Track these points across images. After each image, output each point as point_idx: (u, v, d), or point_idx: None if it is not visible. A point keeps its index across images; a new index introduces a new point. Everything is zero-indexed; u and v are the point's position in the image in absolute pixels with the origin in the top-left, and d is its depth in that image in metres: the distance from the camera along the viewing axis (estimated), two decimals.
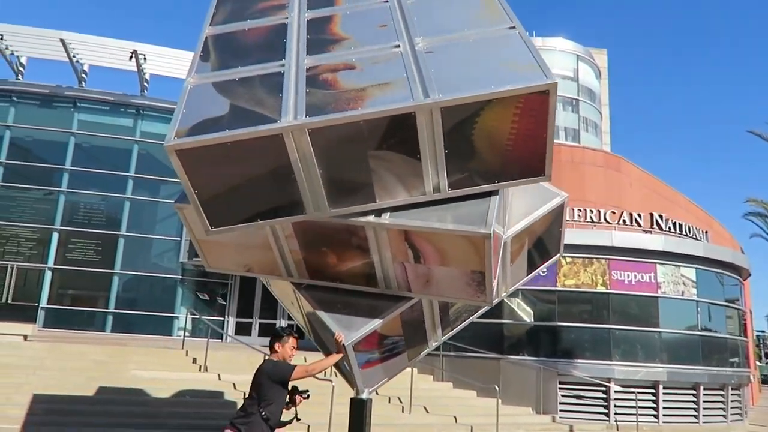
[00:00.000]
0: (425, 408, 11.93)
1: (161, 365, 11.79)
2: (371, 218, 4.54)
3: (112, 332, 19.15)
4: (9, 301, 20.56)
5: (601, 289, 13.99)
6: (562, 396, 13.36)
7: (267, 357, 4.89)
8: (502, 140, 4.25)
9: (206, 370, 11.78)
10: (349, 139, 4.10)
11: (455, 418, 11.71)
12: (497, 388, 11.81)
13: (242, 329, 21.61)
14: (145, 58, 19.47)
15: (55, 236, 19.26)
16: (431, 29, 4.70)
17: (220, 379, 11.38)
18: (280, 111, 4.09)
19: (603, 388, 13.33)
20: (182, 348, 12.70)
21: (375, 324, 5.09)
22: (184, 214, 4.93)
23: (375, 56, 4.53)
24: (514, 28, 4.53)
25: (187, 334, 21.85)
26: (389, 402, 12.04)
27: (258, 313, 21.69)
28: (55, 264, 19.68)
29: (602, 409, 13.32)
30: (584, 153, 17.52)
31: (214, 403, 10.53)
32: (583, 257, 14.03)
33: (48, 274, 20.13)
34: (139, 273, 20.25)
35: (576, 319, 13.97)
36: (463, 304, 5.99)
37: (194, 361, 12.17)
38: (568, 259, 14.01)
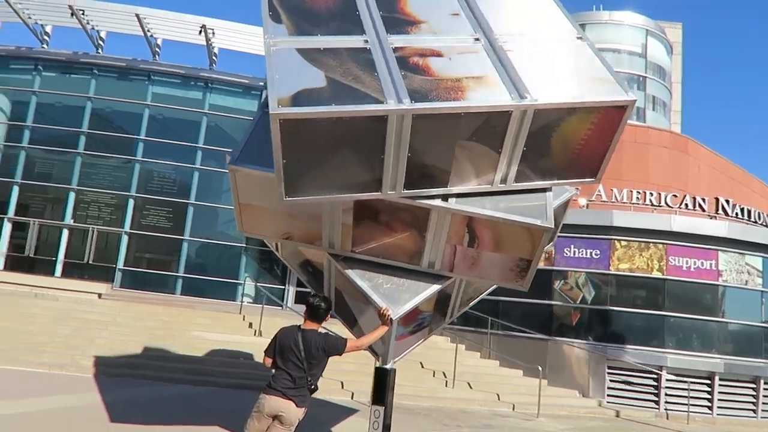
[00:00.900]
0: (469, 384, 12.15)
1: (220, 328, 12.54)
2: (439, 202, 4.75)
3: (181, 295, 20.34)
4: (90, 262, 22.21)
5: (656, 274, 13.61)
6: (611, 381, 13.21)
7: (304, 327, 4.60)
8: (573, 144, 4.61)
9: (260, 334, 12.42)
10: (446, 128, 4.27)
11: (498, 395, 11.87)
12: (540, 369, 11.81)
13: (302, 298, 22.46)
14: (213, 33, 20.17)
15: (131, 202, 20.48)
16: (500, 24, 4.89)
17: None
18: (382, 91, 4.18)
19: (654, 376, 13.09)
20: (240, 313, 13.39)
21: (418, 300, 5.32)
22: (236, 176, 4.93)
23: (459, 46, 4.69)
24: (582, 39, 4.80)
25: (249, 300, 22.98)
26: (434, 376, 12.33)
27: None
28: (130, 228, 20.97)
29: (652, 397, 13.09)
30: (648, 133, 16.87)
31: (261, 365, 11.12)
32: (640, 241, 13.66)
33: (124, 238, 21.54)
34: (207, 240, 21.27)
35: (629, 304, 13.70)
36: (489, 284, 6.15)
37: (250, 325, 12.86)
38: (623, 243, 13.70)
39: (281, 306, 21.47)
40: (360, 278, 5.39)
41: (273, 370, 4.57)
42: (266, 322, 12.55)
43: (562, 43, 4.85)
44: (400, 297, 5.29)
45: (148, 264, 22.20)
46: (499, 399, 11.77)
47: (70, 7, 22.17)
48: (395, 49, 4.60)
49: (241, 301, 17.07)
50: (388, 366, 5.71)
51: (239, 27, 20.67)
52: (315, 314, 4.66)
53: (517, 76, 4.34)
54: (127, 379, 9.68)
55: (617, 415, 12.33)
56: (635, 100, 4.32)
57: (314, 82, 4.34)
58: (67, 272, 21.54)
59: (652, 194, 14.71)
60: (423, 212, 4.88)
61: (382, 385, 5.62)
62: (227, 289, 22.05)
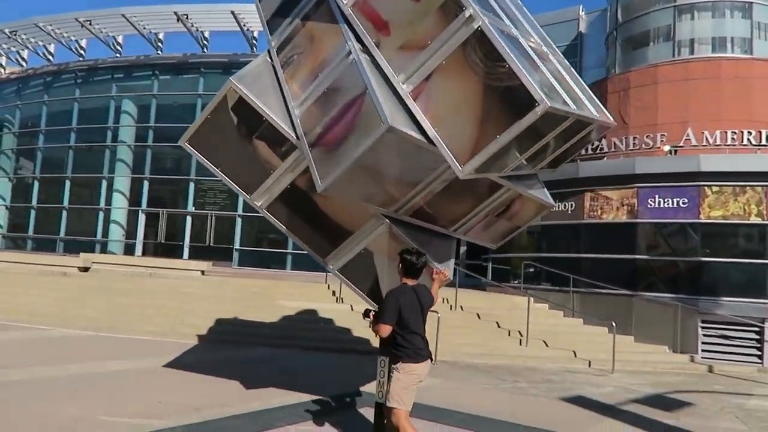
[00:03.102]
0: (545, 342, 12.09)
1: (305, 297, 13.52)
2: (512, 183, 5.52)
3: (291, 270, 21.93)
4: (210, 244, 24.59)
5: (755, 220, 12.45)
6: (704, 336, 12.42)
7: (411, 285, 4.72)
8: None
9: (342, 301, 13.24)
10: (557, 125, 4.78)
11: (574, 352, 11.71)
12: (615, 325, 11.45)
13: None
14: None
15: None
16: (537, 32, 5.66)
17: (352, 310, 12.73)
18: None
19: (756, 329, 12.11)
20: (325, 282, 14.30)
21: (452, 263, 6.00)
22: (389, 136, 4.72)
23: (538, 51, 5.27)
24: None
25: None
26: (509, 335, 12.41)
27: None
28: (243, 212, 22.90)
29: (754, 351, 12.15)
30: (752, 65, 15.21)
31: (341, 329, 11.91)
32: (734, 185, 12.54)
33: (239, 221, 23.57)
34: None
35: (723, 253, 12.70)
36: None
37: (333, 293, 13.72)
38: (714, 189, 12.66)
39: None
40: (417, 241, 5.60)
41: (398, 337, 4.58)
42: (345, 289, 13.28)
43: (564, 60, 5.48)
44: (442, 260, 5.75)
45: (261, 243, 24.11)
46: (575, 356, 11.61)
47: (175, 13, 24.35)
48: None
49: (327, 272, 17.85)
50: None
51: None
52: (415, 270, 4.77)
53: (578, 93, 5.08)
54: (217, 344, 10.90)
55: (710, 371, 11.64)
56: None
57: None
58: (193, 255, 24.07)
59: (750, 133, 13.38)
60: (497, 189, 5.60)
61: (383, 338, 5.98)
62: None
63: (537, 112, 4.37)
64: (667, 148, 13.65)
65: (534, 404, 8.00)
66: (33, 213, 28.27)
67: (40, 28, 26.66)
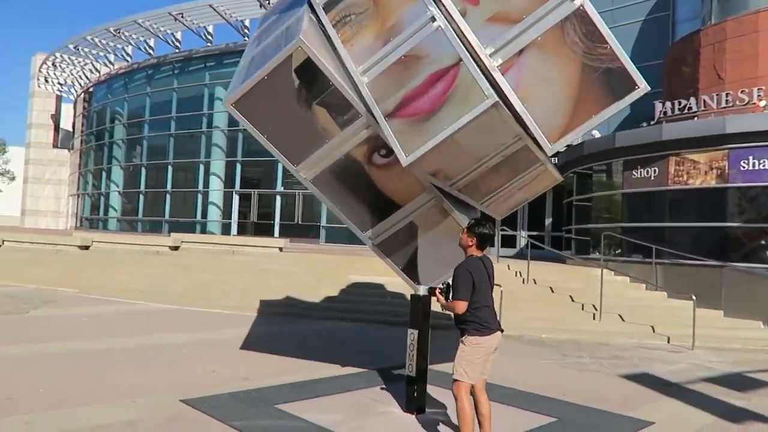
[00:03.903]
0: (620, 316, 11.47)
1: (375, 272, 13.67)
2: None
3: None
4: (299, 222, 25.46)
5: None
6: None
7: (480, 256, 4.55)
8: None
9: None
10: None
11: (653, 327, 11.02)
12: (694, 297, 10.61)
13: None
14: None
15: None
16: None
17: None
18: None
19: None
20: None
21: None
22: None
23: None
24: None
25: None
26: (582, 309, 11.90)
27: (498, 224, 22.51)
28: None
29: None
30: None
31: (403, 302, 11.96)
32: None
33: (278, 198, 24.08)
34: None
35: None
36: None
37: None
38: None
39: None
40: (457, 212, 5.80)
41: (470, 312, 4.39)
42: None
43: None
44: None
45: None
46: (653, 331, 10.93)
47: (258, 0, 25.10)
48: None
49: None
50: (420, 292, 6.02)
51: None
52: (490, 241, 4.62)
53: None
54: (285, 317, 11.36)
55: None
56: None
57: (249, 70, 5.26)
58: (283, 232, 25.07)
59: None
60: (528, 162, 5.64)
61: (415, 311, 5.96)
62: None
63: (636, 94, 4.65)
64: (763, 103, 12.29)
65: (589, 380, 7.65)
66: (141, 197, 30.62)
67: (139, 24, 28.54)
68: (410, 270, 6.46)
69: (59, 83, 38.51)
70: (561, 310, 11.93)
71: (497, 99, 4.52)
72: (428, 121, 4.77)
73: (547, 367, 8.35)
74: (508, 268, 14.11)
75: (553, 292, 12.76)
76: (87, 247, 16.17)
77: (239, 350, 8.39)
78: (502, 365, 8.09)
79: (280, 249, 15.36)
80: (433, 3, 4.88)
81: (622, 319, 11.43)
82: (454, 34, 4.78)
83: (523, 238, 21.06)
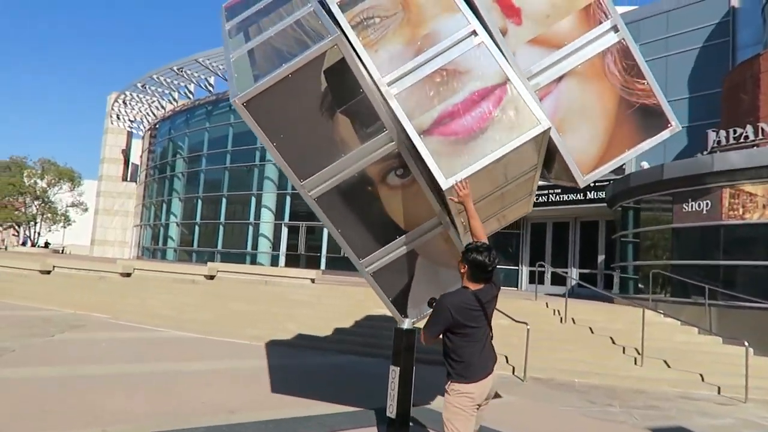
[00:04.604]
0: (665, 362, 10.45)
1: None
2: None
3: None
4: (344, 255, 25.32)
5: None
6: None
7: (469, 288, 3.83)
8: None
9: None
10: None
11: (702, 376, 9.96)
12: (747, 343, 9.52)
13: (534, 278, 21.86)
14: None
15: None
16: None
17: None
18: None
19: None
20: None
21: None
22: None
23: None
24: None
25: None
26: (623, 353, 10.95)
27: (549, 261, 21.58)
28: None
29: None
30: None
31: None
32: None
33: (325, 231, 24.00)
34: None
35: None
36: None
37: None
38: None
39: (516, 286, 21.32)
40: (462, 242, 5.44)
41: (448, 348, 3.82)
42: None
43: None
44: None
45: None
46: (702, 380, 9.87)
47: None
48: None
49: None
50: (404, 326, 5.60)
51: None
52: (484, 272, 3.81)
53: None
54: (307, 349, 11.04)
55: None
56: None
57: (258, 65, 4.65)
58: (329, 264, 25.01)
59: None
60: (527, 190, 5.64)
61: (398, 345, 5.53)
62: None
63: (668, 132, 4.70)
64: None
65: None
66: (197, 228, 31.47)
67: (200, 63, 29.82)
68: (400, 301, 6.06)
69: (129, 120, 40.67)
70: (599, 352, 11.02)
71: (550, 125, 4.26)
72: (472, 143, 4.42)
73: (566, 414, 7.60)
74: (546, 306, 13.30)
75: (592, 332, 11.85)
76: (129, 275, 16.54)
77: (243, 381, 8.13)
78: (515, 410, 7.47)
79: (312, 280, 15.16)
80: (474, 17, 4.60)
81: (667, 365, 10.41)
82: (499, 52, 4.51)
83: (573, 278, 20.03)
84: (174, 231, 33.61)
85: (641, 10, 19.13)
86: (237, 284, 15.45)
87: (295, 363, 9.78)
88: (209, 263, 18.31)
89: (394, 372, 5.46)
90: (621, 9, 20.77)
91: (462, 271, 3.89)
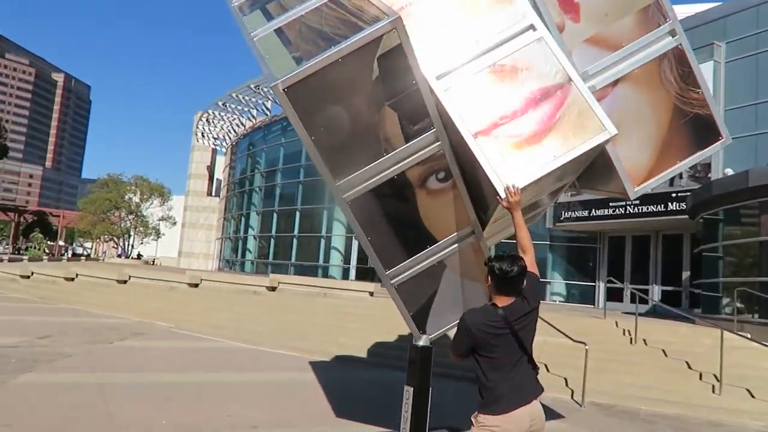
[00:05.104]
0: (749, 391, 9.29)
1: None
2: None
3: None
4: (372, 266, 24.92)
5: None
6: None
7: (491, 304, 3.38)
8: None
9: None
10: None
11: None
12: None
13: (613, 295, 20.54)
14: None
15: None
16: None
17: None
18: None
19: None
20: None
21: None
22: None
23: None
24: None
25: (560, 299, 22.18)
26: (699, 379, 9.86)
27: (629, 277, 20.19)
28: None
29: None
30: None
31: None
32: None
33: None
34: (507, 241, 21.75)
35: None
36: None
37: None
38: None
39: (593, 304, 20.19)
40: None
41: (478, 372, 3.35)
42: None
43: None
44: None
45: None
46: None
47: None
48: None
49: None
50: (421, 342, 5.19)
51: None
52: (505, 283, 3.36)
53: None
54: (355, 363, 10.78)
55: None
56: None
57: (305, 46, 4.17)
58: None
59: None
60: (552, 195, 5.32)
61: (413, 364, 5.13)
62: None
63: (719, 145, 4.57)
64: None
65: None
66: (272, 241, 32.20)
67: None
68: (420, 316, 5.65)
69: (213, 137, 42.53)
70: (671, 377, 9.98)
71: (616, 131, 3.95)
72: (533, 147, 4.05)
73: None
74: (616, 325, 12.31)
75: (666, 355, 10.78)
76: (196, 285, 17.01)
77: (277, 395, 7.98)
78: None
79: (371, 293, 14.91)
80: (533, 10, 4.24)
81: (751, 395, 9.24)
82: (560, 50, 4.16)
83: (654, 296, 18.60)
84: (252, 243, 34.60)
85: (727, 5, 17.61)
86: (296, 296, 15.47)
87: (336, 377, 9.51)
88: (271, 275, 18.53)
89: (408, 392, 5.06)
90: (703, 6, 19.25)
91: (487, 285, 3.48)
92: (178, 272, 20.27)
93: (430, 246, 5.24)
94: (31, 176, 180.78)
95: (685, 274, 18.55)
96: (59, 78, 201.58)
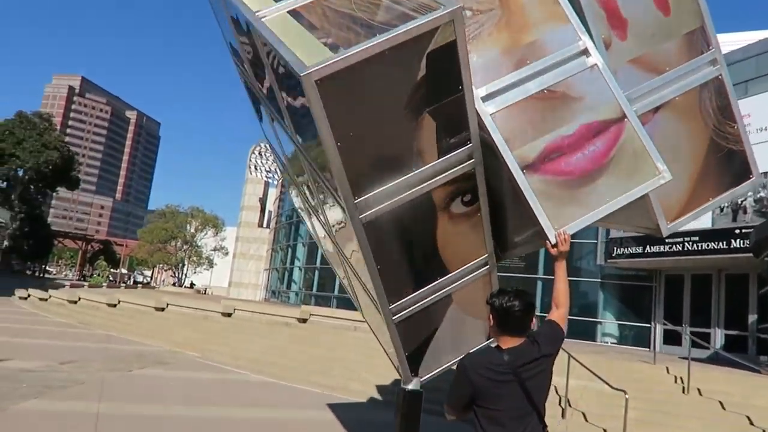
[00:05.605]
0: None
1: None
2: None
3: None
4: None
5: None
6: None
7: (501, 346, 2.91)
8: None
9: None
10: None
11: None
12: None
13: (670, 338, 19.03)
14: None
15: None
16: None
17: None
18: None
19: None
20: None
21: None
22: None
23: None
24: None
25: (612, 341, 20.81)
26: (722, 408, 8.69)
27: (688, 320, 18.67)
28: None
29: None
30: None
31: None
32: None
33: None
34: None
35: None
36: None
37: None
38: None
39: (648, 347, 18.78)
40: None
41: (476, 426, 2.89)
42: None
43: None
44: None
45: None
46: None
47: None
48: None
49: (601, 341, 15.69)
50: (410, 386, 4.58)
51: None
52: (509, 321, 2.90)
53: None
54: (378, 403, 10.16)
55: None
56: None
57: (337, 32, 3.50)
58: None
59: None
60: None
61: (400, 409, 4.53)
62: (586, 328, 20.58)
63: (749, 184, 4.46)
64: None
65: None
66: (317, 273, 32.04)
67: None
68: (415, 357, 5.01)
69: (266, 170, 43.29)
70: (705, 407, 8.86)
71: (671, 177, 3.65)
72: (585, 188, 3.63)
73: None
74: (667, 372, 11.16)
75: (723, 408, 9.60)
76: (229, 315, 16.81)
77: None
78: None
79: None
80: (586, 33, 3.83)
81: None
82: (614, 80, 3.77)
83: (716, 340, 17.08)
84: (297, 275, 34.55)
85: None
86: (326, 329, 14.97)
87: (351, 417, 8.90)
88: (303, 306, 18.13)
89: None
90: (758, 34, 18.08)
91: (490, 325, 3.01)
92: (213, 301, 20.21)
93: (440, 278, 4.63)
94: (102, 207, 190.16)
95: (752, 318, 16.96)
96: (132, 116, 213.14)
